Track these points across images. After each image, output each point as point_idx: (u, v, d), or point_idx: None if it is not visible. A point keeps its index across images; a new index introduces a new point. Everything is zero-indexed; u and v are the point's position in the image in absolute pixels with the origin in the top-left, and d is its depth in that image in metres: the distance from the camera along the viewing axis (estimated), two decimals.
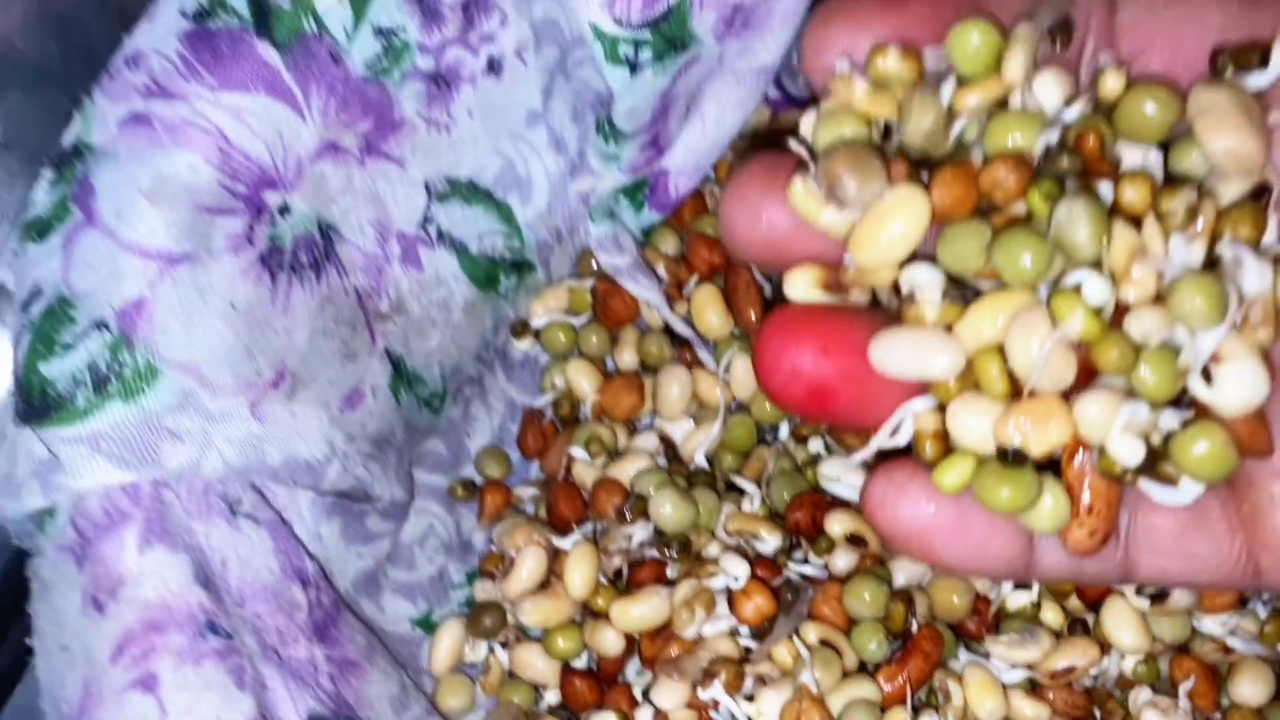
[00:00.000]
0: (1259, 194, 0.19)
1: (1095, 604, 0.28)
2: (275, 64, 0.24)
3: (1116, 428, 0.18)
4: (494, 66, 0.29)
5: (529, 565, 0.31)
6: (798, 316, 0.20)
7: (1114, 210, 0.19)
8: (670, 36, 0.27)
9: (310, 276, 0.27)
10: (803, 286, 0.20)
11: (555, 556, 0.31)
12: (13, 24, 0.25)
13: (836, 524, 0.29)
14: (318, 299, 0.27)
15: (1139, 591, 0.27)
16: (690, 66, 0.29)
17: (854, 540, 0.29)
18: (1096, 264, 0.18)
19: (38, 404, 0.22)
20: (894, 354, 0.19)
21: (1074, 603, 0.29)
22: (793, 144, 0.20)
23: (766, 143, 0.33)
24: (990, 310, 0.19)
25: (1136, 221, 0.19)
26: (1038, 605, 0.29)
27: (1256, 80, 0.19)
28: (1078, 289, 0.18)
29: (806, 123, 0.21)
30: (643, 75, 0.28)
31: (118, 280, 0.23)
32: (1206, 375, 0.18)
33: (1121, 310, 0.19)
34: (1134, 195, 0.18)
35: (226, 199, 0.24)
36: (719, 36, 0.29)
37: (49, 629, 0.22)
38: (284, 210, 0.26)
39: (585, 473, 0.32)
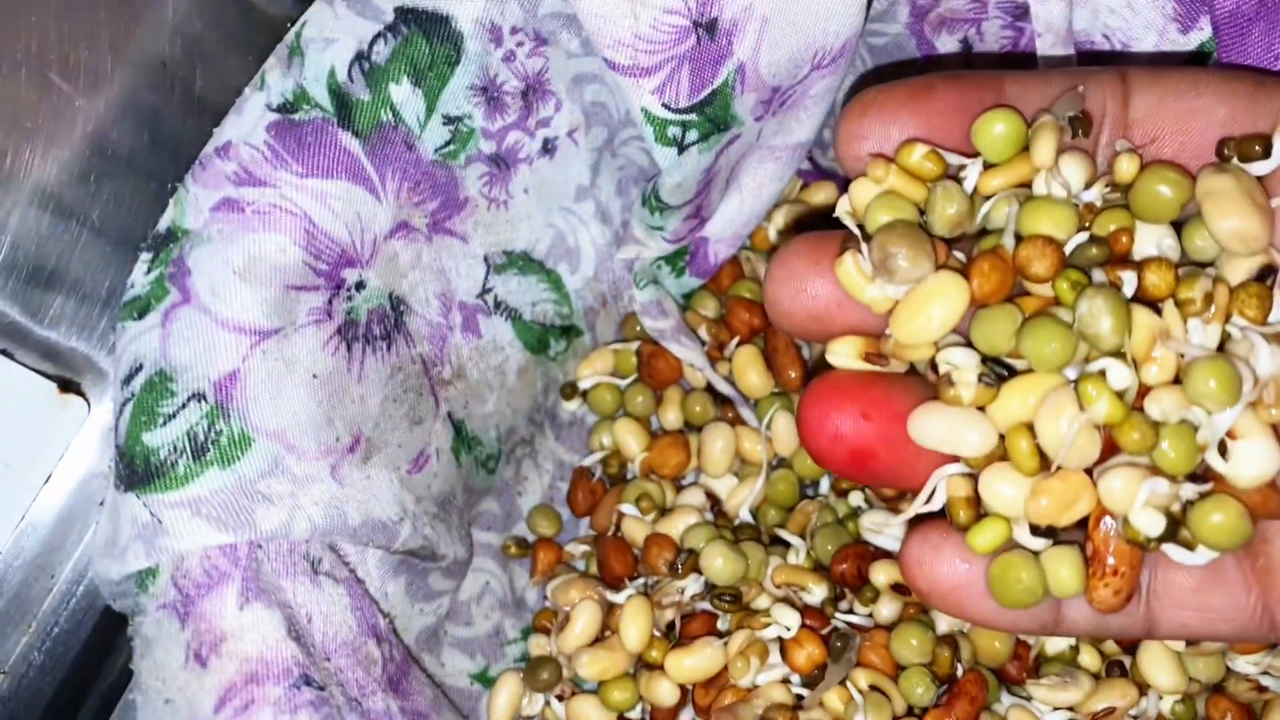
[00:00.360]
0: (1264, 274, 0.20)
1: (1131, 646, 0.30)
2: (356, 152, 0.26)
3: (1139, 502, 0.20)
4: (548, 147, 0.31)
5: (584, 619, 0.32)
6: (840, 383, 0.21)
7: (1136, 295, 0.20)
8: (714, 118, 0.29)
9: (382, 346, 0.28)
10: (845, 356, 0.22)
11: (608, 611, 0.32)
12: (106, 118, 0.27)
13: (881, 574, 0.30)
14: (388, 368, 0.29)
15: None
16: (731, 144, 0.31)
17: (898, 589, 0.30)
18: (1119, 352, 0.20)
19: (141, 471, 0.24)
20: (931, 429, 0.21)
21: (1110, 645, 0.30)
22: (846, 220, 0.22)
23: (807, 224, 0.35)
24: (1022, 391, 0.20)
25: (1156, 304, 0.20)
26: (1076, 649, 0.30)
27: (1259, 168, 0.21)
28: (1103, 374, 0.20)
29: (844, 204, 0.22)
30: (689, 154, 0.30)
31: (213, 354, 0.25)
32: (1223, 450, 0.20)
33: (1143, 390, 0.20)
34: (1156, 280, 0.20)
35: (310, 277, 0.26)
36: (758, 117, 0.31)
37: (152, 683, 0.23)
38: (360, 285, 0.27)
39: (634, 529, 0.33)
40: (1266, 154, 0.21)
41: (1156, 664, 0.29)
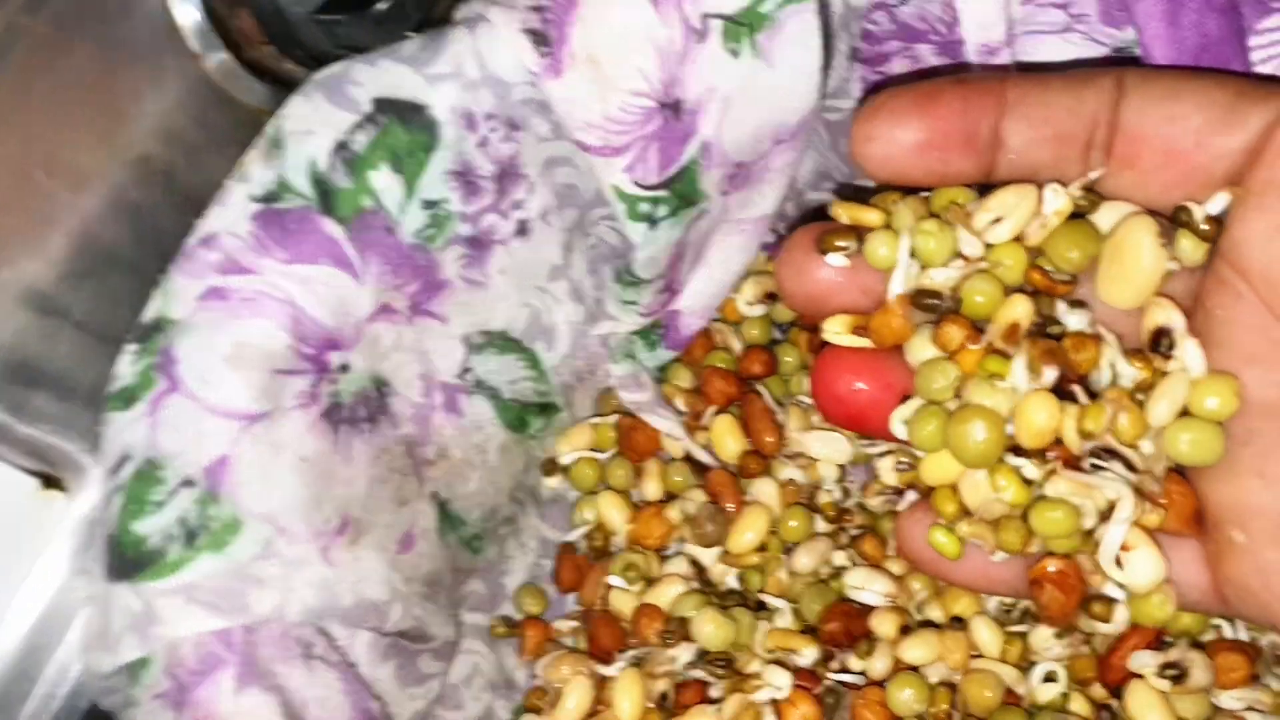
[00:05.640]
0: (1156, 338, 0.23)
1: (1117, 689, 0.30)
2: (338, 237, 0.27)
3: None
4: (523, 229, 0.32)
5: (576, 695, 0.32)
6: (843, 356, 0.25)
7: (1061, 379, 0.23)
8: (683, 194, 0.30)
9: (366, 428, 0.29)
10: (836, 331, 0.25)
11: (600, 685, 0.32)
12: (91, 215, 0.28)
13: (882, 624, 0.31)
14: (374, 449, 0.29)
15: (1161, 674, 0.28)
16: (700, 218, 0.32)
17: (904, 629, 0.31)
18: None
19: (132, 560, 0.24)
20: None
21: (1097, 690, 0.31)
22: (840, 214, 0.25)
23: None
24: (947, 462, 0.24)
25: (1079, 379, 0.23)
26: (1066, 695, 0.30)
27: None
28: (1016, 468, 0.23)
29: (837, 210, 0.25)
30: (660, 228, 0.31)
31: (202, 440, 0.25)
32: (1119, 561, 0.23)
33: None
34: (1081, 357, 0.23)
35: (296, 360, 0.26)
36: (724, 191, 0.32)
37: None
38: (344, 368, 0.28)
39: (622, 601, 0.33)
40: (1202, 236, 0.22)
41: (1144, 706, 0.29)
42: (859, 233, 0.24)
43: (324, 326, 0.27)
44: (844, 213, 0.24)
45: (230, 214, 0.27)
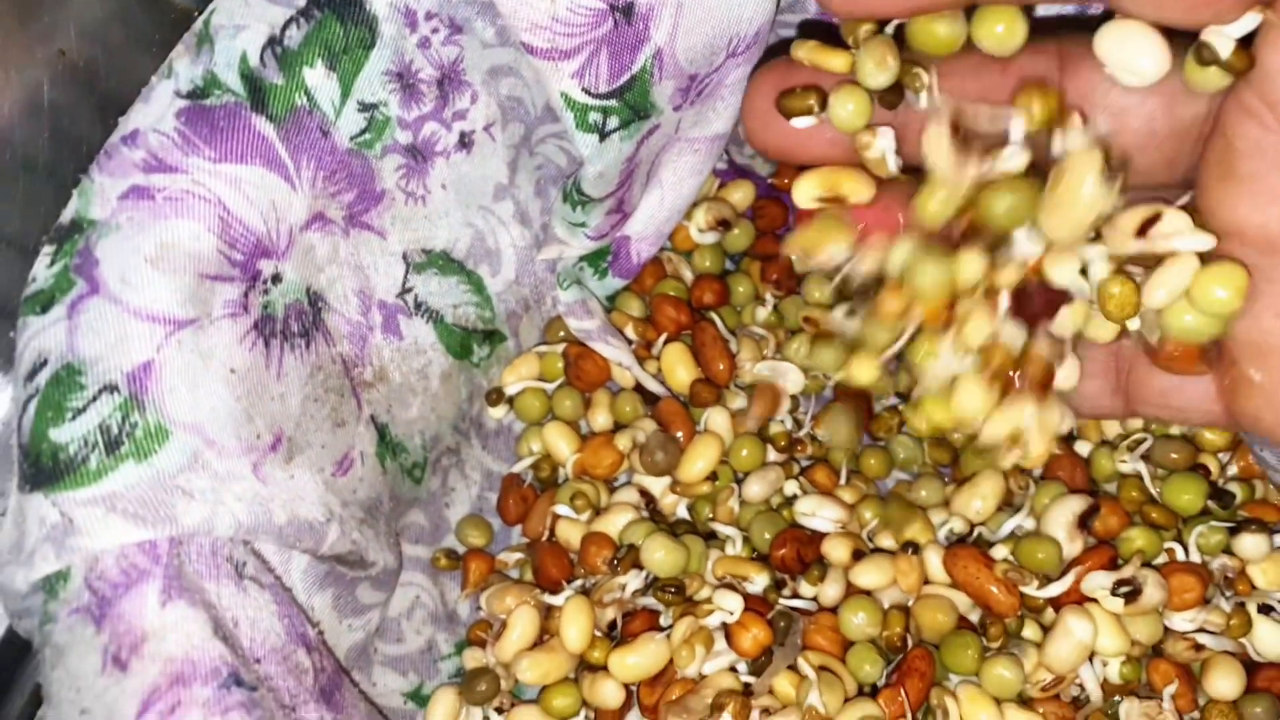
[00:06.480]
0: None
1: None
2: (270, 137, 0.25)
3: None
4: (465, 141, 0.30)
5: (522, 624, 0.31)
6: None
7: None
8: (634, 105, 0.29)
9: (300, 344, 0.27)
10: (810, 195, 0.24)
11: (547, 615, 0.31)
12: (3, 113, 0.26)
13: (834, 549, 0.30)
14: (308, 366, 0.28)
15: (1114, 592, 0.28)
16: (651, 134, 0.31)
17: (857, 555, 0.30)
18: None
19: (49, 469, 0.23)
20: None
21: (1050, 616, 0.30)
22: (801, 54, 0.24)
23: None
24: None
25: None
26: (1021, 619, 0.30)
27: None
28: None
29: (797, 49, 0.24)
30: (610, 141, 0.30)
31: (126, 344, 0.23)
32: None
33: None
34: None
35: (225, 267, 0.25)
36: (676, 106, 0.31)
37: (66, 695, 0.21)
38: (276, 279, 0.27)
39: (570, 531, 0.33)
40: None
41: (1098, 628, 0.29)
42: (821, 92, 0.23)
43: (254, 231, 0.25)
44: (806, 55, 0.23)
45: (155, 110, 0.25)
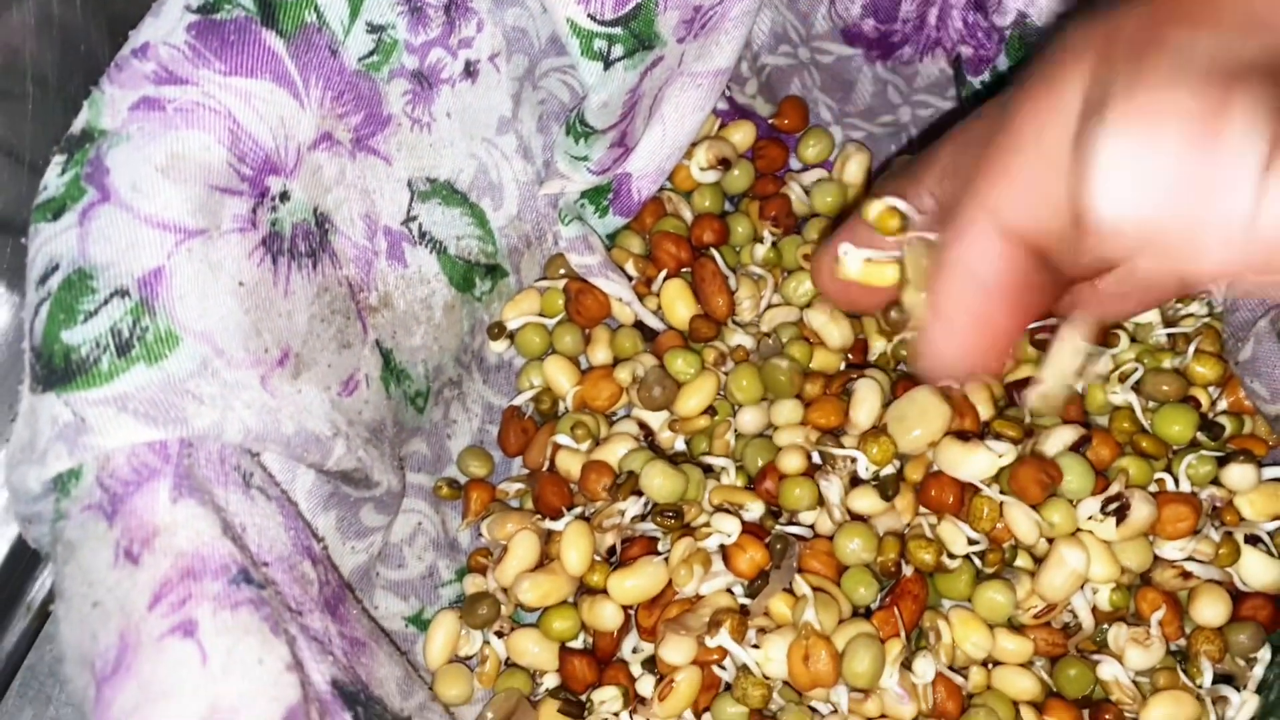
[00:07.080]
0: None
1: None
2: (279, 52, 0.26)
3: None
4: (470, 70, 0.31)
5: (523, 548, 0.31)
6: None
7: None
8: (638, 34, 0.30)
9: (308, 264, 0.28)
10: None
11: (547, 540, 0.32)
12: (13, 30, 0.26)
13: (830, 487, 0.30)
14: (315, 286, 0.28)
15: (1103, 510, 0.29)
16: (655, 65, 0.31)
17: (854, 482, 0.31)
18: None
19: (60, 370, 0.23)
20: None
21: (1043, 546, 0.31)
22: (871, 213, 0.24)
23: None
24: None
25: None
26: (1014, 548, 0.30)
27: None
28: None
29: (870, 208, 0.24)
30: (615, 70, 0.30)
31: (136, 250, 0.24)
32: None
33: None
34: None
35: (235, 180, 0.25)
36: (679, 38, 0.31)
37: (78, 589, 0.22)
38: (284, 196, 0.27)
39: (570, 461, 0.33)
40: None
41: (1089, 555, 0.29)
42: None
43: (263, 147, 0.26)
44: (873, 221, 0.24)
45: (165, 23, 0.25)
